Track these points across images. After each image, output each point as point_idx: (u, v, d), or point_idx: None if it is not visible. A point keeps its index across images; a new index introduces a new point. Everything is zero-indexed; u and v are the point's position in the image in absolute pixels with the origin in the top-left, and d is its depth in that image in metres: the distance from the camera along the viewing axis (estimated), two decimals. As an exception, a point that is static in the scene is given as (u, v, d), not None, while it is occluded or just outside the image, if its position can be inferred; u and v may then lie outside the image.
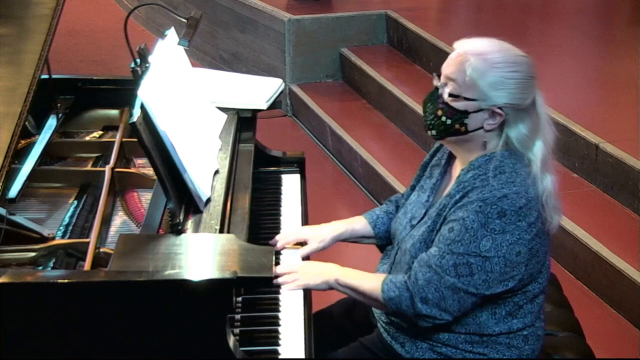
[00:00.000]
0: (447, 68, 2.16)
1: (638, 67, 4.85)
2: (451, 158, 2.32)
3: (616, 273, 3.51)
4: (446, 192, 2.24)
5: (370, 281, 2.25)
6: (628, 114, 4.40)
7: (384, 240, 2.51)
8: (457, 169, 2.25)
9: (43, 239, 2.31)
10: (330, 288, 2.28)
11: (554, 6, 6.43)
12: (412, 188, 2.41)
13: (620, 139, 4.04)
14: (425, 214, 2.27)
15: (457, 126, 2.14)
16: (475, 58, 2.10)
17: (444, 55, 5.46)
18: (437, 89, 2.18)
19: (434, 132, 2.20)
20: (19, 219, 2.34)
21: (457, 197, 2.14)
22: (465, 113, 2.12)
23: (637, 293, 3.42)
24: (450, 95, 2.14)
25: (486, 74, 2.09)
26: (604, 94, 4.88)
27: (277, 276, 2.25)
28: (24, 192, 2.49)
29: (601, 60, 5.36)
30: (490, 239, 2.07)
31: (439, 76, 2.18)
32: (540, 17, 6.24)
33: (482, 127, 2.14)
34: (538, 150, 2.13)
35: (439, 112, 2.16)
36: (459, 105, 2.13)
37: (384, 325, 2.35)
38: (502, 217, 2.07)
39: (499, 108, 2.11)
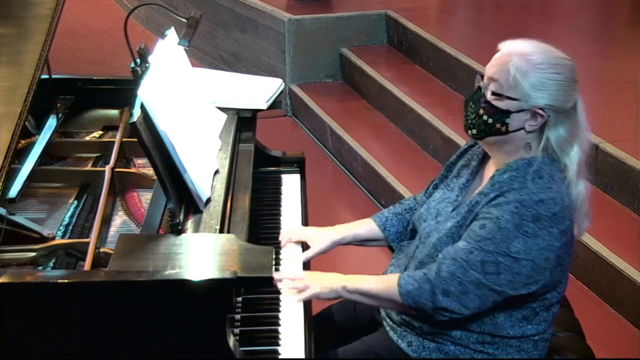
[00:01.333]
0: (490, 68, 2.17)
1: (638, 67, 4.85)
2: (484, 160, 2.32)
3: (616, 273, 3.51)
4: (478, 190, 2.24)
5: (380, 282, 2.24)
6: (628, 114, 4.40)
7: (395, 242, 2.51)
8: (490, 169, 2.26)
9: (43, 239, 2.31)
10: (338, 296, 2.28)
11: (554, 6, 6.42)
12: (435, 187, 2.42)
13: (620, 139, 4.04)
14: (452, 211, 2.27)
15: (498, 125, 2.15)
16: (518, 58, 2.12)
17: (444, 55, 5.48)
18: (479, 88, 2.19)
19: (474, 131, 2.20)
20: (19, 219, 2.34)
21: (492, 195, 2.15)
22: (507, 112, 2.14)
23: (637, 293, 3.42)
24: (493, 94, 2.15)
25: (529, 74, 2.11)
26: (604, 94, 4.88)
27: (280, 280, 2.26)
28: (24, 192, 2.49)
29: (601, 60, 5.36)
30: (522, 240, 2.08)
31: (482, 77, 2.20)
32: (540, 17, 6.24)
33: (522, 128, 2.15)
34: (575, 155, 2.16)
35: (481, 111, 2.17)
36: (501, 104, 2.14)
37: (390, 324, 2.35)
38: (537, 221, 2.07)
39: (541, 109, 2.12)
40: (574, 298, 2.74)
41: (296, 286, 2.26)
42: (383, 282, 2.23)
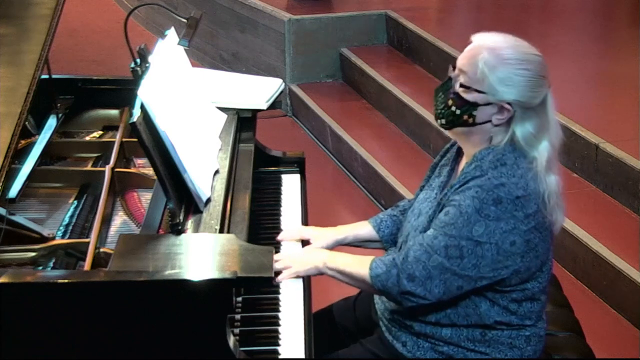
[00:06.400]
0: (461, 60, 2.20)
1: (638, 67, 4.85)
2: (459, 156, 2.34)
3: (616, 273, 3.51)
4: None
5: (356, 263, 2.27)
6: (628, 114, 4.40)
7: (390, 243, 2.52)
8: (463, 164, 2.27)
9: (43, 239, 2.31)
10: (320, 273, 2.30)
11: (554, 6, 6.42)
12: (421, 188, 2.43)
13: (620, 139, 4.04)
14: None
15: (465, 117, 2.17)
16: (487, 52, 2.14)
17: (444, 55, 5.48)
18: (450, 79, 2.22)
19: (443, 121, 2.24)
20: (19, 219, 2.34)
21: (457, 186, 2.17)
22: (474, 105, 2.16)
23: (637, 293, 3.42)
24: (461, 86, 2.17)
25: (496, 69, 2.12)
26: (604, 94, 4.88)
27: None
28: (24, 192, 2.48)
29: (601, 60, 5.36)
30: (483, 224, 2.09)
31: (454, 67, 2.21)
32: (540, 17, 6.24)
33: (489, 121, 2.17)
34: (543, 150, 2.16)
35: (450, 102, 2.20)
36: (469, 96, 2.16)
37: (386, 324, 2.35)
38: (498, 204, 2.09)
39: (508, 104, 2.13)
40: (574, 298, 2.74)
41: (276, 268, 2.26)
42: (359, 264, 2.26)
